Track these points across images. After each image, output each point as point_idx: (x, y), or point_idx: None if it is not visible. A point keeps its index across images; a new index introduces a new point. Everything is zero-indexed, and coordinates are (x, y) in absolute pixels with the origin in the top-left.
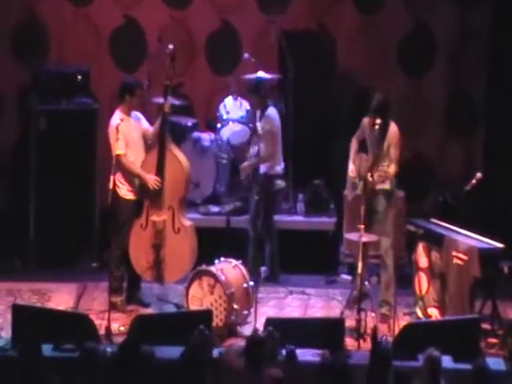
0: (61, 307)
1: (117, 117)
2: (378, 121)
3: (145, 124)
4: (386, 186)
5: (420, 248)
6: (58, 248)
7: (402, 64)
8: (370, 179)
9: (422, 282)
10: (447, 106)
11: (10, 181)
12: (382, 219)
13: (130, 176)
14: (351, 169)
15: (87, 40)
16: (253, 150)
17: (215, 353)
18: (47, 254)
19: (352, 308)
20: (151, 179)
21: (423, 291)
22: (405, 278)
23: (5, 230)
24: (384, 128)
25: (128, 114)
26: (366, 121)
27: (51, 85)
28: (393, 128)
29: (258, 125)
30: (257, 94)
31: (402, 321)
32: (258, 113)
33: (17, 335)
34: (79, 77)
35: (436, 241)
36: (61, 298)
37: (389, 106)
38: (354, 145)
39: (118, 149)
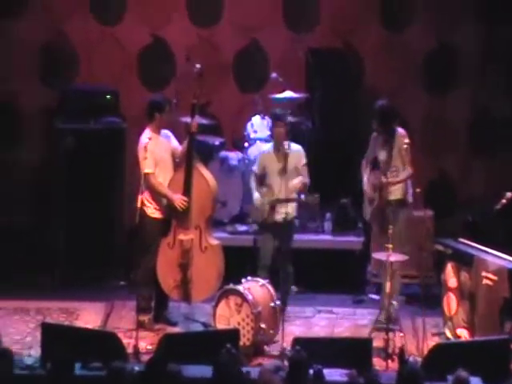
0: (89, 326)
1: (146, 135)
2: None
3: (174, 142)
4: (398, 195)
5: (449, 268)
6: (86, 267)
7: (426, 82)
8: (384, 180)
9: (451, 303)
10: (471, 126)
11: (37, 200)
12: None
13: (157, 195)
14: (366, 185)
15: (115, 59)
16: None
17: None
18: (75, 272)
19: (379, 329)
20: (178, 199)
21: (452, 311)
22: (433, 298)
23: (33, 249)
24: (390, 134)
25: (157, 132)
26: (374, 136)
27: (79, 104)
28: (400, 132)
29: (298, 158)
30: (285, 124)
31: (431, 341)
32: (284, 144)
33: (46, 354)
34: (108, 96)
35: (465, 261)
36: (89, 316)
37: (393, 112)
38: (364, 167)
39: (147, 167)
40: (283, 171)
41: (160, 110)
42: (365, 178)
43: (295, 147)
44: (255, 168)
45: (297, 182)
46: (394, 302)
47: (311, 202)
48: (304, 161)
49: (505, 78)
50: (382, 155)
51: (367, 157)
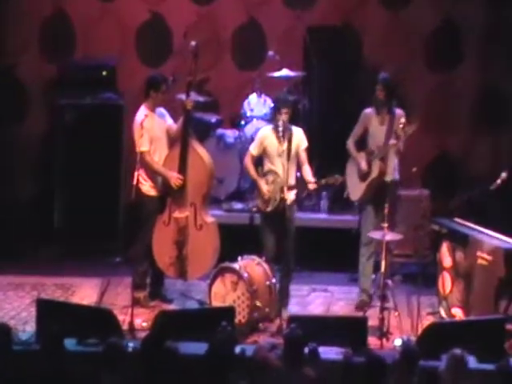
0: (84, 302)
1: (142, 113)
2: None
3: (169, 120)
4: (394, 176)
5: (444, 247)
6: (82, 241)
7: (428, 60)
8: (393, 142)
9: (446, 282)
10: (475, 103)
11: (36, 174)
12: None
13: (152, 173)
14: (360, 159)
15: (113, 35)
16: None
17: (237, 349)
18: (72, 248)
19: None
20: (173, 177)
21: (447, 291)
22: (429, 278)
23: (30, 222)
24: (391, 109)
25: (153, 110)
26: (367, 112)
27: (77, 79)
28: (399, 112)
29: (300, 142)
30: (289, 109)
31: (426, 320)
32: (286, 129)
33: (41, 329)
34: (104, 72)
35: (460, 240)
36: (84, 292)
37: (396, 85)
38: (351, 144)
39: (142, 145)
40: (287, 155)
41: (156, 89)
42: (355, 154)
43: (296, 131)
44: (253, 149)
45: (310, 176)
46: (389, 281)
47: (334, 182)
48: (305, 144)
49: (509, 55)
50: (380, 131)
51: (354, 134)
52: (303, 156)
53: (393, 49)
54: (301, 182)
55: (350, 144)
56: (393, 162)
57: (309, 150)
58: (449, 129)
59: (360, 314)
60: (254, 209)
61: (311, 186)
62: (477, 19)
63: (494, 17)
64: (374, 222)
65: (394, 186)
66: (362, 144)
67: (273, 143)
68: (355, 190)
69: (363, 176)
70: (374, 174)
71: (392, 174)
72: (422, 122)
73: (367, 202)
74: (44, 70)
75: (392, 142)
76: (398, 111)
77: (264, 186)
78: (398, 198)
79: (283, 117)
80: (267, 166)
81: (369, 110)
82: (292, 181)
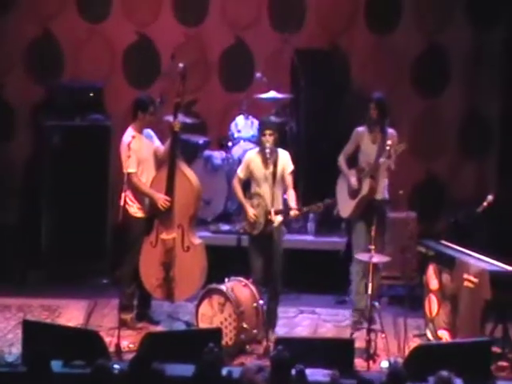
0: (71, 323)
1: (129, 134)
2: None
3: (156, 142)
4: (384, 195)
5: (431, 270)
6: (70, 264)
7: (415, 84)
8: (381, 160)
9: (433, 304)
10: (461, 127)
11: (23, 196)
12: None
13: (140, 194)
14: (350, 176)
15: (101, 57)
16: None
17: (224, 371)
18: (58, 270)
19: (357, 329)
20: (160, 198)
21: (433, 313)
22: (416, 300)
23: (17, 246)
24: (383, 128)
25: (140, 131)
26: (359, 131)
27: (64, 101)
28: (391, 132)
29: (285, 165)
30: (277, 134)
31: (413, 342)
32: (272, 152)
33: (27, 351)
34: (91, 94)
35: (447, 263)
36: (71, 314)
37: (387, 106)
38: (343, 161)
39: (129, 167)
40: (272, 178)
41: (143, 110)
42: (346, 171)
43: (282, 154)
44: (240, 171)
45: (293, 202)
46: (376, 303)
47: (317, 209)
48: (290, 168)
49: (495, 79)
50: (372, 149)
51: (346, 152)
52: (289, 180)
53: (380, 72)
54: (286, 206)
55: (342, 160)
56: (383, 180)
57: (296, 173)
58: (435, 152)
59: (355, 334)
60: (241, 231)
61: (293, 214)
62: (463, 43)
63: (480, 41)
64: (367, 239)
65: (384, 205)
66: (353, 161)
67: (258, 167)
68: (345, 206)
69: (353, 193)
70: (364, 191)
71: (382, 193)
72: (409, 145)
73: (358, 219)
74: (31, 92)
75: (382, 160)
76: (391, 131)
77: (250, 210)
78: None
79: (267, 138)
80: (253, 188)
81: (361, 128)
82: (279, 204)
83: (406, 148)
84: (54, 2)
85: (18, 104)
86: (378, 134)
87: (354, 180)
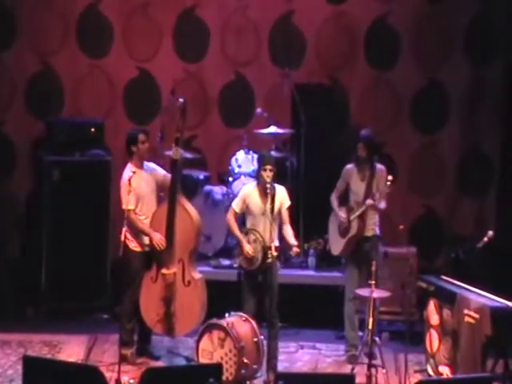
0: (71, 359)
1: (128, 170)
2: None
3: (161, 172)
4: (375, 231)
5: (431, 305)
6: (70, 299)
7: (414, 120)
8: (370, 202)
9: (433, 340)
10: (460, 164)
11: (23, 231)
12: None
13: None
14: (341, 214)
15: (101, 92)
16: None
17: None
18: (59, 305)
19: (353, 362)
20: (156, 238)
21: (434, 349)
22: (416, 335)
23: (17, 281)
24: (372, 166)
25: (140, 166)
26: (348, 168)
27: (64, 136)
28: (380, 167)
29: (283, 201)
30: (273, 167)
31: (414, 378)
32: (271, 187)
33: None
34: (92, 129)
35: (447, 298)
36: (71, 349)
37: (377, 142)
38: (334, 199)
39: (129, 204)
40: (270, 214)
41: (135, 142)
42: (336, 209)
43: (280, 189)
44: (235, 205)
45: (292, 238)
46: (376, 338)
47: (317, 246)
48: (287, 203)
49: (493, 115)
50: (360, 187)
51: (337, 189)
52: (285, 215)
53: (379, 108)
54: (285, 243)
55: (333, 198)
56: (372, 219)
57: (296, 207)
58: (434, 188)
59: (356, 369)
60: (236, 265)
61: (294, 252)
62: (461, 80)
63: (478, 78)
64: (358, 279)
65: (376, 241)
66: (346, 198)
67: (256, 201)
68: (336, 244)
69: (343, 232)
70: (353, 231)
71: (373, 230)
72: (408, 181)
73: (349, 258)
74: (31, 127)
75: (369, 202)
76: (380, 167)
77: (246, 246)
78: (385, 255)
79: (268, 174)
80: (249, 223)
81: (350, 166)
82: (275, 239)
83: (392, 187)
84: (54, 38)
85: (19, 139)
86: (367, 171)
87: (343, 219)
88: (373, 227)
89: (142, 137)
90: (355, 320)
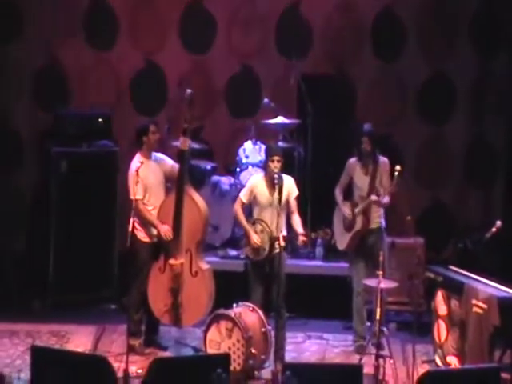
0: (79, 349)
1: (137, 160)
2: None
3: (169, 162)
4: (379, 223)
5: (439, 295)
6: (77, 290)
7: (421, 112)
8: (374, 198)
9: (441, 330)
10: (467, 154)
11: (30, 223)
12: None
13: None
14: (346, 209)
15: (108, 84)
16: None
17: None
18: (66, 296)
19: (361, 352)
20: (163, 229)
21: (442, 339)
22: (424, 326)
23: (25, 272)
24: (375, 159)
25: (148, 157)
26: (351, 162)
27: (72, 128)
28: (384, 160)
29: (291, 191)
30: (281, 158)
31: (421, 368)
32: (279, 178)
33: (35, 377)
34: (100, 120)
35: (455, 289)
36: (79, 340)
37: (378, 136)
38: (338, 194)
39: (136, 193)
40: (277, 204)
41: (145, 133)
42: (341, 204)
43: (287, 179)
44: (243, 196)
45: (300, 227)
46: (384, 329)
47: (324, 236)
48: (295, 193)
49: (500, 105)
50: (364, 181)
51: (341, 184)
52: (293, 205)
53: (385, 98)
54: (292, 232)
55: (337, 193)
56: (377, 211)
57: (304, 198)
58: (441, 179)
59: (363, 359)
60: (242, 256)
61: (301, 240)
62: (468, 70)
63: (484, 68)
64: (365, 272)
65: (380, 233)
66: (350, 192)
67: (263, 192)
68: (341, 239)
69: (348, 226)
70: (358, 226)
71: (377, 222)
72: (415, 172)
73: (355, 252)
74: (39, 119)
75: (373, 197)
76: (383, 159)
77: (254, 236)
78: (392, 245)
79: (276, 164)
80: (256, 214)
81: (353, 160)
82: (283, 230)
83: (401, 177)
84: (61, 30)
85: (26, 131)
86: (371, 165)
87: (348, 213)
88: (378, 220)
89: (152, 127)
90: (364, 314)
